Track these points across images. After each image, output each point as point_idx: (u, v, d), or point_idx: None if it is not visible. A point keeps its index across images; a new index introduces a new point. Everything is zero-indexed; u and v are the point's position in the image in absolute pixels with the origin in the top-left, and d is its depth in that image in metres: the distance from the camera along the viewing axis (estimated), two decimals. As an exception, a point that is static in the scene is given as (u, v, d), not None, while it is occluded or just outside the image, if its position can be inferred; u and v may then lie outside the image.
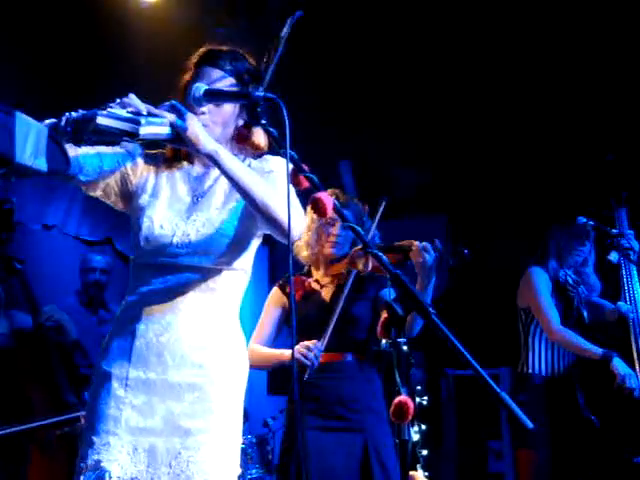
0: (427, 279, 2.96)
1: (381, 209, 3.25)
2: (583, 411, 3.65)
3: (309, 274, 3.31)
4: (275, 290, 3.31)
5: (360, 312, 3.19)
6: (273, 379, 6.24)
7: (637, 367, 3.59)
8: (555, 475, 3.68)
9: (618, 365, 3.57)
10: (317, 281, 3.28)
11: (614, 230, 3.76)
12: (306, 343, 3.00)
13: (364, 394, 3.13)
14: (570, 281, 3.86)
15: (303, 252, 3.28)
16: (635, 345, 3.62)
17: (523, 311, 3.93)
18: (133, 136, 1.83)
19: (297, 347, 3.02)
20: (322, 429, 3.06)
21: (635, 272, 3.72)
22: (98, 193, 2.10)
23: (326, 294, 3.23)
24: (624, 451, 3.57)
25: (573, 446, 3.66)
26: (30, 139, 1.66)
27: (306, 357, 2.96)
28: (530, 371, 3.81)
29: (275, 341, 3.27)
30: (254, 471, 4.23)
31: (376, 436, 3.08)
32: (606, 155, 3.75)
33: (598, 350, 3.63)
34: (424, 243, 2.97)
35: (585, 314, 3.85)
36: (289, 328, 3.26)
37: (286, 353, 3.11)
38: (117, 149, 2.11)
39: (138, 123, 1.82)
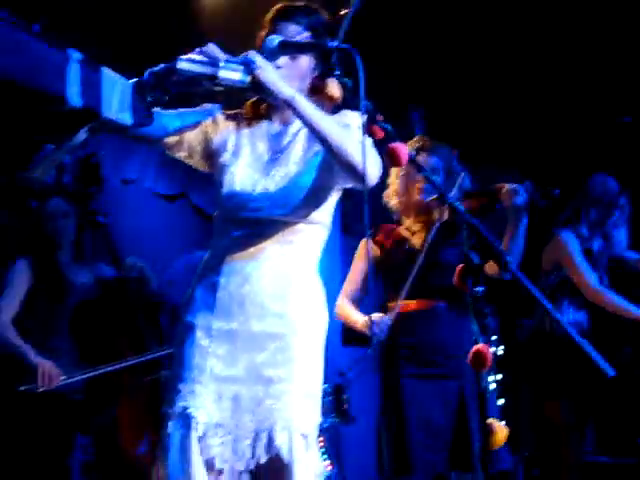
0: (518, 222, 2.94)
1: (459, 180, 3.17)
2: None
3: (399, 222, 3.28)
4: (363, 242, 3.28)
5: (450, 258, 3.08)
6: (348, 330, 6.28)
7: None
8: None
9: None
10: (407, 229, 3.24)
11: None
12: (375, 315, 2.96)
13: (459, 340, 3.03)
14: (599, 247, 3.80)
15: (392, 200, 3.26)
16: None
17: (548, 272, 3.85)
18: (213, 79, 1.88)
19: (365, 319, 3.05)
20: (418, 376, 3.04)
21: None
22: (182, 154, 2.17)
23: (416, 241, 3.18)
24: None
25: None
26: (115, 94, 1.72)
27: (373, 330, 2.92)
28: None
29: (367, 293, 3.25)
30: (330, 420, 4.30)
31: (473, 382, 2.97)
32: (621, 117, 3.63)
33: None
34: (514, 185, 2.94)
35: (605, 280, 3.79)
36: (383, 276, 3.21)
37: (359, 322, 3.11)
38: (198, 109, 2.17)
39: (217, 66, 1.88)
